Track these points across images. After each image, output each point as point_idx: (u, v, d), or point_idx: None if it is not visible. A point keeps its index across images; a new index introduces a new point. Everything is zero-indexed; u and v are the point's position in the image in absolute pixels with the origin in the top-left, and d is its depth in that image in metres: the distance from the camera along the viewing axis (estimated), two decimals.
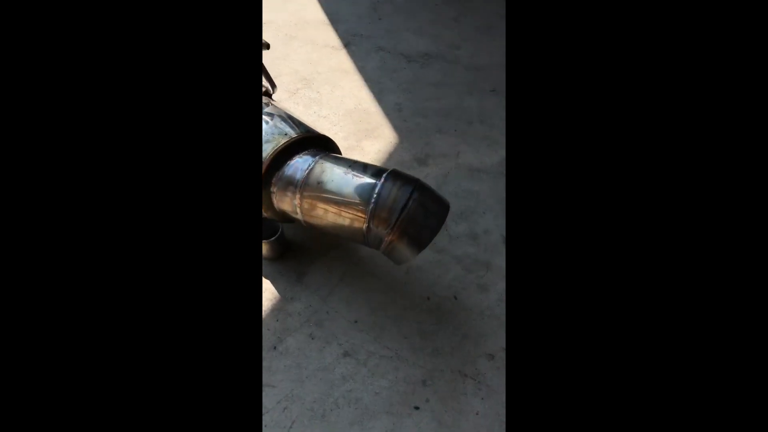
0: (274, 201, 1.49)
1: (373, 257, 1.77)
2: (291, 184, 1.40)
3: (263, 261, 1.70)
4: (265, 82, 1.73)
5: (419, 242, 1.29)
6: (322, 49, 2.86)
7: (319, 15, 3.18)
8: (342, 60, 2.79)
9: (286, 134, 1.44)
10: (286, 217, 1.57)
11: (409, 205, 1.27)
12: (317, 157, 1.41)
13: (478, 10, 3.44)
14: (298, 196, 1.40)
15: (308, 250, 1.78)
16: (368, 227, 1.31)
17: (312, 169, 1.38)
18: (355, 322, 1.58)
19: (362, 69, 2.73)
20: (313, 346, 1.50)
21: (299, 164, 1.41)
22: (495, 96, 2.64)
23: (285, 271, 1.69)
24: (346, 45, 2.91)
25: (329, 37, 2.98)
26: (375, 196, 1.28)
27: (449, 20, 3.29)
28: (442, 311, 1.63)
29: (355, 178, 1.34)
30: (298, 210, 1.43)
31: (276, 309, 1.58)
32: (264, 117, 1.52)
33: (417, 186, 1.31)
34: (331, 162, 1.40)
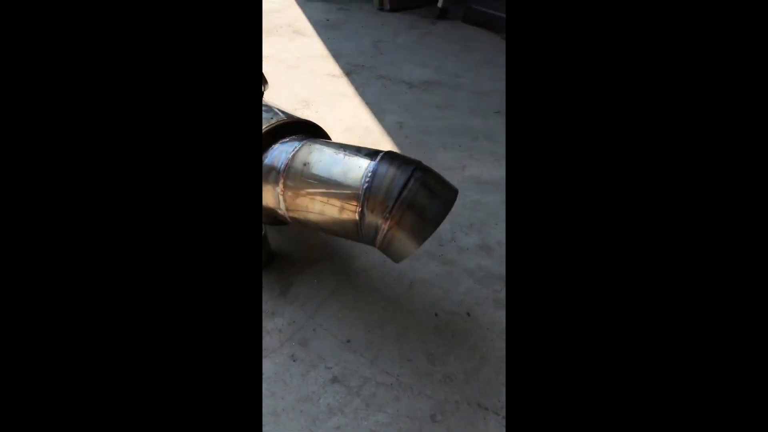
0: None
1: (370, 269, 1.53)
2: (273, 170, 1.23)
3: None
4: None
5: (422, 228, 1.07)
6: (323, 76, 2.87)
7: (322, 51, 3.27)
8: (342, 86, 2.78)
9: (272, 118, 1.30)
10: (271, 215, 1.37)
11: (409, 185, 1.07)
12: (305, 141, 1.25)
13: (477, 49, 3.53)
14: (281, 182, 1.21)
15: (296, 260, 1.54)
16: (362, 213, 1.10)
17: (298, 150, 1.22)
18: (348, 341, 1.29)
19: (363, 93, 2.71)
20: (295, 371, 1.21)
21: (284, 148, 1.25)
22: (500, 117, 2.56)
23: (267, 282, 1.45)
24: (347, 74, 2.93)
25: (331, 67, 3.02)
26: (369, 175, 1.10)
27: (450, 56, 3.36)
28: (453, 330, 1.35)
29: (347, 157, 1.16)
30: (282, 201, 1.24)
31: None
32: None
33: (419, 166, 1.12)
34: (320, 144, 1.23)
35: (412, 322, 1.36)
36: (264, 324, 1.32)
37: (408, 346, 1.29)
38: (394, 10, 4.15)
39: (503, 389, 1.20)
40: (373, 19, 3.97)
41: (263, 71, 1.63)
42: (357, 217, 1.12)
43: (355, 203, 1.11)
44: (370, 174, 1.10)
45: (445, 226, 1.73)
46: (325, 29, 3.65)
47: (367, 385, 1.19)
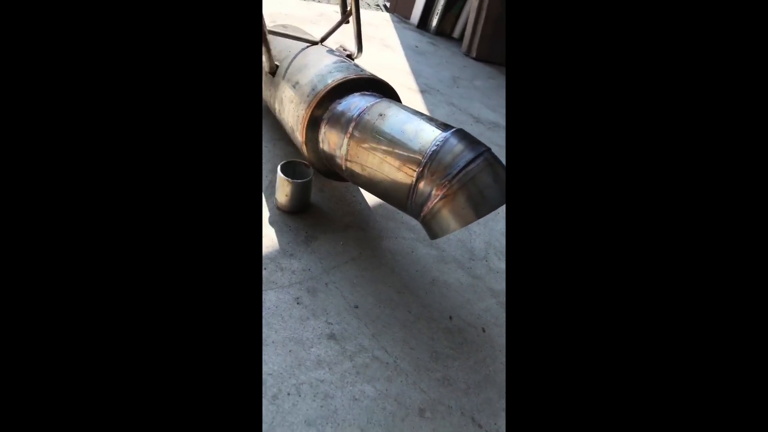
0: (320, 135, 1.31)
1: (396, 253, 1.47)
2: (346, 115, 1.24)
3: (278, 207, 1.45)
4: (351, 46, 1.72)
5: (475, 208, 1.03)
6: (399, 87, 2.98)
7: (404, 67, 3.43)
8: (415, 100, 2.87)
9: (362, 72, 1.33)
10: (326, 164, 1.37)
11: (477, 161, 1.05)
12: (385, 98, 1.27)
13: None
14: (350, 128, 1.22)
15: (329, 219, 1.51)
16: (420, 176, 1.08)
17: (377, 103, 1.23)
18: (356, 307, 1.22)
19: (432, 111, 2.78)
20: (296, 313, 1.14)
21: (362, 98, 1.27)
22: None
23: (295, 227, 1.42)
24: (422, 91, 3.04)
25: (409, 81, 3.14)
26: (440, 141, 1.08)
27: None
28: (464, 338, 1.25)
29: (423, 121, 1.16)
30: (344, 146, 1.24)
31: (269, 258, 1.27)
32: (341, 57, 1.45)
33: (490, 150, 1.10)
34: (398, 105, 1.24)
35: (424, 315, 1.28)
36: (280, 260, 1.28)
37: (414, 335, 1.20)
38: (478, 58, 4.36)
39: (503, 414, 1.07)
40: (458, 59, 4.17)
41: (362, 41, 1.71)
42: (413, 180, 1.10)
43: (415, 165, 1.09)
44: (441, 140, 1.08)
45: (480, 245, 1.67)
46: (412, 52, 3.86)
47: (363, 354, 1.10)
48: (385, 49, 3.69)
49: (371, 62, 3.25)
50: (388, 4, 5.38)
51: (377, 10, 5.15)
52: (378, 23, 4.46)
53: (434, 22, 4.69)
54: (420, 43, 4.24)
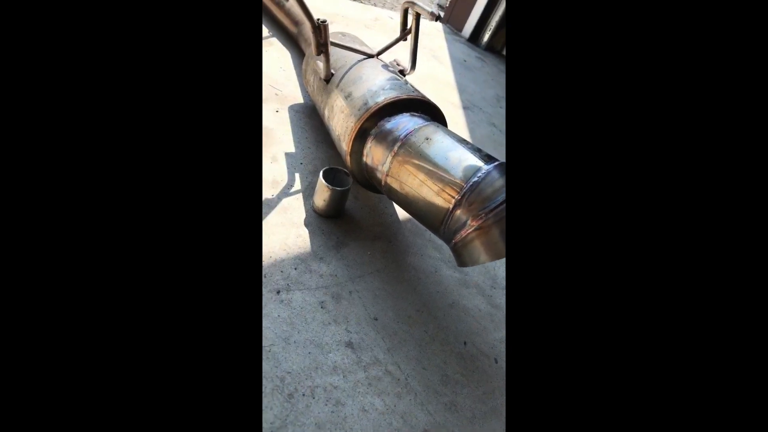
0: (365, 149, 1.36)
1: (420, 270, 1.50)
2: (393, 134, 1.28)
3: (314, 210, 1.51)
4: (404, 62, 1.76)
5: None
6: (442, 101, 3.00)
7: (450, 80, 3.44)
8: (457, 116, 2.88)
9: (413, 92, 1.37)
10: (366, 175, 1.42)
11: None
12: (433, 122, 1.30)
13: None
14: (396, 147, 1.25)
15: (359, 228, 1.56)
16: (457, 204, 1.10)
17: (425, 126, 1.26)
18: (375, 319, 1.26)
19: (472, 130, 2.78)
20: (319, 317, 1.19)
21: (412, 119, 1.30)
22: None
23: (328, 231, 1.47)
24: (465, 108, 3.04)
25: (452, 96, 3.15)
26: (483, 173, 1.10)
27: None
28: (476, 366, 1.27)
29: (468, 151, 1.18)
30: (387, 163, 1.28)
31: (299, 259, 1.33)
32: (395, 74, 1.49)
33: None
34: (446, 130, 1.27)
35: (440, 337, 1.30)
36: (309, 262, 1.33)
37: (428, 355, 1.23)
38: None
39: None
40: (504, 78, 4.14)
41: (417, 57, 1.74)
42: (450, 206, 1.12)
43: (455, 192, 1.12)
44: (483, 173, 1.11)
45: (503, 273, 1.67)
46: (459, 66, 3.86)
47: (377, 366, 1.14)
48: (433, 60, 3.71)
49: (418, 73, 3.28)
50: (442, 14, 5.39)
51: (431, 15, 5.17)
52: (430, 32, 4.49)
53: (486, 37, 4.67)
54: (468, 58, 4.23)
